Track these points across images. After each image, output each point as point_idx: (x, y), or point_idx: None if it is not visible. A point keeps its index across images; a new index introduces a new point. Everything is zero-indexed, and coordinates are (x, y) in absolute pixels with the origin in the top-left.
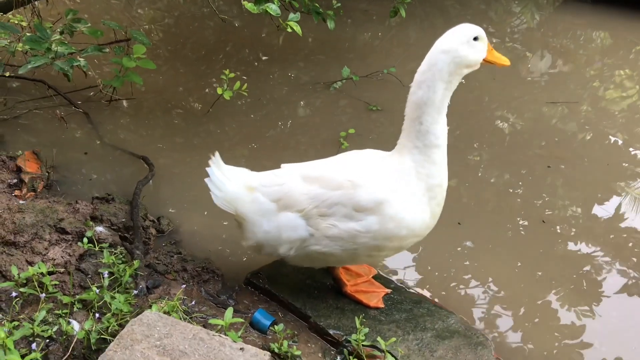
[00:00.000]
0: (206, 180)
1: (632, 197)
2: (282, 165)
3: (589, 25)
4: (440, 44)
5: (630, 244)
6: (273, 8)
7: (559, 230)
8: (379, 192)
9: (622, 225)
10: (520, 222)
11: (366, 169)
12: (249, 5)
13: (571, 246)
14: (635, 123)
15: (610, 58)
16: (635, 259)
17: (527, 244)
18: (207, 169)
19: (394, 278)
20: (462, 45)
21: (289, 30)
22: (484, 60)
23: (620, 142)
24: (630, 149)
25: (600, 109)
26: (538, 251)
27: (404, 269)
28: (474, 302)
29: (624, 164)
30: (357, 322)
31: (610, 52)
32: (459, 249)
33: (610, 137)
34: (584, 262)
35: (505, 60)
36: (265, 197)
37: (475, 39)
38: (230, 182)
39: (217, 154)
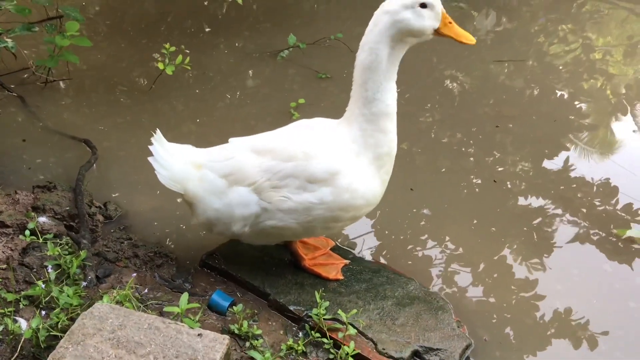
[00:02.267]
0: (150, 159)
1: (580, 150)
2: (230, 140)
3: None
4: (384, 5)
5: (579, 195)
6: None
7: (510, 187)
8: (332, 163)
9: (571, 176)
10: (474, 181)
11: (317, 140)
12: None
13: (523, 201)
14: (579, 76)
15: (553, 13)
16: (584, 210)
17: (481, 202)
18: (149, 147)
19: (351, 248)
20: (405, 10)
21: None
22: (436, 32)
23: (566, 96)
24: (576, 103)
25: (545, 64)
26: (492, 209)
27: (361, 238)
28: (432, 265)
29: (570, 117)
30: (317, 296)
31: (553, 7)
32: (414, 212)
33: (556, 91)
34: (536, 215)
35: (467, 38)
36: (214, 173)
37: (424, 6)
38: (175, 160)
39: (158, 131)
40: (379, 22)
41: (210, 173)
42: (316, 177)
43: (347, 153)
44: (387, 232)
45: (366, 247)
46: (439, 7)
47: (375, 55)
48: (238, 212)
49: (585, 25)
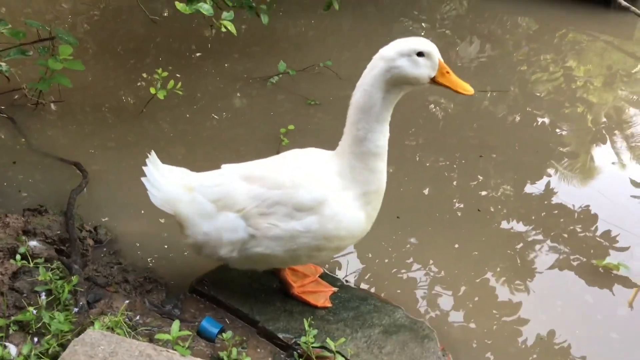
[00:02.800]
0: (143, 179)
1: (561, 177)
2: (223, 166)
3: (514, 11)
4: (382, 50)
5: (561, 221)
6: (205, 8)
7: (493, 211)
8: (319, 192)
9: (553, 203)
10: (457, 206)
11: (307, 170)
12: (180, 6)
13: (506, 227)
14: (560, 105)
15: (535, 43)
16: (565, 236)
17: (464, 229)
18: (143, 167)
19: (339, 276)
20: (401, 57)
21: (223, 30)
22: (433, 80)
23: (547, 124)
24: (557, 130)
25: (527, 93)
26: (477, 236)
27: (349, 265)
28: (418, 292)
29: (551, 145)
30: (306, 324)
31: (536, 37)
32: (400, 239)
33: (538, 119)
34: (518, 241)
35: (464, 88)
36: (204, 197)
37: (420, 54)
38: (168, 182)
39: (153, 153)
40: (374, 67)
41: (200, 197)
42: (303, 205)
43: (335, 185)
44: (374, 259)
45: (353, 275)
46: (437, 57)
47: (369, 98)
48: (226, 236)
49: (566, 55)
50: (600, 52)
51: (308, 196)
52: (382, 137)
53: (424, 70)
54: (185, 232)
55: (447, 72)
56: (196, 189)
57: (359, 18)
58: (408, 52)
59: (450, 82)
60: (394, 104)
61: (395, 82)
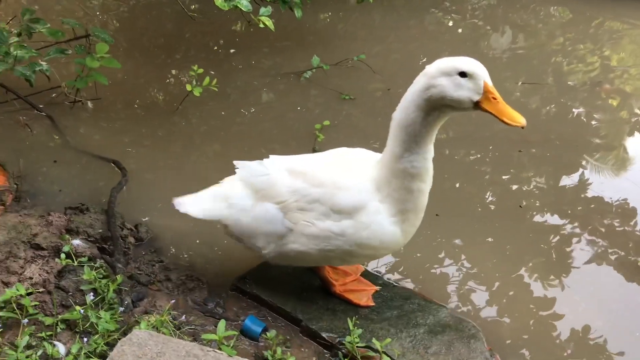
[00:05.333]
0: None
1: (598, 170)
2: (270, 156)
3: (547, 0)
4: (427, 67)
5: (599, 216)
6: (244, 4)
7: (535, 206)
8: (358, 198)
9: (589, 196)
10: (493, 200)
11: (351, 172)
12: (219, 2)
13: (542, 221)
14: (597, 96)
15: (570, 32)
16: (603, 229)
17: (504, 223)
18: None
19: (380, 274)
20: (442, 75)
21: (262, 25)
22: (477, 105)
23: (583, 116)
24: (593, 122)
25: (562, 84)
26: (523, 233)
27: (389, 264)
28: (460, 290)
29: (587, 138)
30: (350, 323)
31: (570, 26)
32: (440, 239)
33: (573, 110)
34: (557, 235)
35: (512, 118)
36: (247, 185)
37: (463, 75)
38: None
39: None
40: (416, 83)
41: (242, 185)
42: (340, 208)
43: (375, 194)
44: (413, 257)
45: (395, 273)
46: (482, 80)
47: (407, 115)
48: (263, 228)
49: (604, 45)
50: (639, 41)
51: (347, 199)
52: (420, 159)
53: (465, 92)
54: (225, 219)
55: (494, 98)
56: (241, 176)
57: (389, 10)
58: (450, 71)
59: (495, 110)
60: (437, 126)
61: (435, 102)
